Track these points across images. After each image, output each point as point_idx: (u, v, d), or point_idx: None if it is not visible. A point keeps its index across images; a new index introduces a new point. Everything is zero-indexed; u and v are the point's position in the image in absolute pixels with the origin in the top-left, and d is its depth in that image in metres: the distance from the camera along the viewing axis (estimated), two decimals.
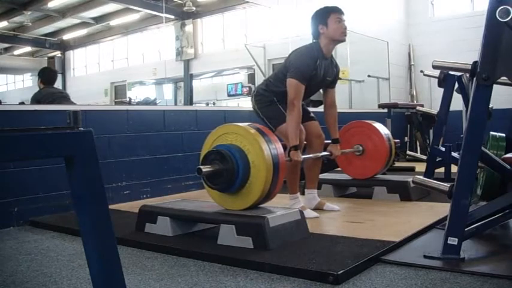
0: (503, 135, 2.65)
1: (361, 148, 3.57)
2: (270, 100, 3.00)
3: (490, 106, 2.08)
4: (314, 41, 2.98)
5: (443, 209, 2.68)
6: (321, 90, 3.14)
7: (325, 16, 2.92)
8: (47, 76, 4.06)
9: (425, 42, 7.88)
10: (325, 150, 3.16)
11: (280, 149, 2.41)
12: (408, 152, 5.25)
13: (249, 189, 2.35)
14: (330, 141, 3.17)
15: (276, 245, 2.15)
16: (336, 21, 2.89)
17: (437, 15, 8.00)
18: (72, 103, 4.02)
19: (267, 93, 3.02)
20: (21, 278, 1.95)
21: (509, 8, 1.81)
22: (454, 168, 3.72)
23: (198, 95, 9.55)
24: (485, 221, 2.09)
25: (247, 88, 8.51)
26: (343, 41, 2.98)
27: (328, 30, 2.90)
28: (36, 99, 3.87)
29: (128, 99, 8.85)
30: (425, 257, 1.99)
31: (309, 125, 3.06)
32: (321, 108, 3.18)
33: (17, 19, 9.24)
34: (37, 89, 4.06)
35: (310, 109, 3.32)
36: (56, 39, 10.37)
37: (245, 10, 8.63)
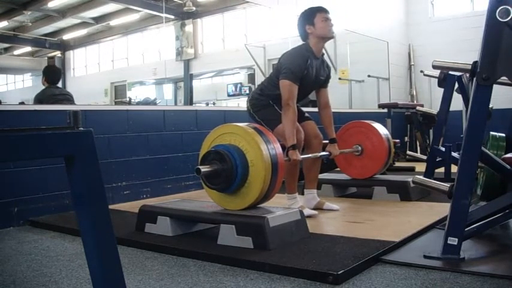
0: (503, 135, 2.65)
1: (360, 148, 3.57)
2: (266, 103, 3.01)
3: (490, 106, 2.08)
4: (303, 42, 3.01)
5: (443, 209, 2.68)
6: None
7: (312, 16, 2.96)
8: (51, 75, 4.03)
9: (425, 42, 7.88)
10: (323, 150, 3.16)
11: (279, 149, 2.41)
12: (408, 152, 5.24)
13: (248, 189, 2.35)
14: (327, 141, 3.18)
15: (276, 245, 2.15)
16: (323, 20, 2.94)
17: (437, 15, 8.01)
18: (74, 104, 4.01)
19: (262, 97, 3.03)
20: (21, 278, 1.95)
21: (509, 8, 1.81)
22: (454, 168, 3.72)
23: (198, 95, 9.54)
24: (485, 221, 2.09)
25: (248, 88, 8.51)
26: (332, 37, 3.05)
27: (316, 30, 2.94)
28: (39, 99, 3.86)
29: (127, 99, 8.84)
30: (425, 257, 1.99)
31: (305, 125, 3.06)
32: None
33: (17, 19, 9.22)
34: (37, 89, 4.04)
35: (309, 109, 3.33)
36: (56, 39, 10.35)
37: (245, 10, 8.62)
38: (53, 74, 4.10)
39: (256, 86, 4.00)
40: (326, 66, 3.09)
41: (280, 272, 1.90)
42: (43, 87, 3.97)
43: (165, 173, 4.02)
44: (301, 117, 3.05)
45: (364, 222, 2.75)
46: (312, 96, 3.30)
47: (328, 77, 3.12)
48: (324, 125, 3.15)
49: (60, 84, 4.21)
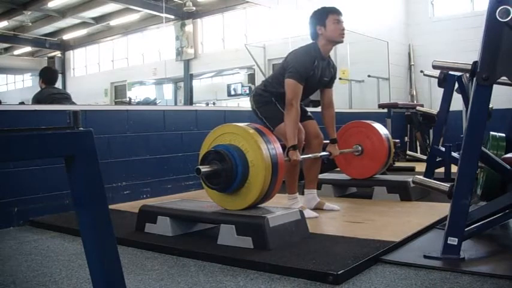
0: (503, 135, 2.65)
1: (360, 148, 3.57)
2: (269, 100, 3.00)
3: (490, 106, 2.08)
4: (312, 41, 2.99)
5: (443, 209, 2.68)
6: (318, 90, 3.14)
7: (324, 17, 2.92)
8: (48, 76, 4.04)
9: (425, 42, 7.88)
10: (324, 150, 3.16)
11: (279, 149, 2.41)
12: (408, 152, 5.24)
13: (248, 189, 2.35)
14: (328, 141, 3.18)
15: (276, 245, 2.15)
16: (334, 22, 2.91)
17: (437, 15, 8.01)
18: (73, 103, 4.02)
19: (265, 93, 3.02)
20: (21, 278, 1.95)
21: (509, 8, 1.81)
22: (454, 168, 3.71)
23: (198, 95, 9.54)
24: (485, 221, 2.09)
25: (248, 87, 8.51)
26: (341, 42, 2.99)
27: (326, 31, 2.91)
28: (37, 99, 3.86)
29: (127, 99, 8.84)
30: (425, 257, 1.99)
31: (306, 124, 3.06)
32: (320, 108, 3.18)
33: (17, 19, 9.23)
34: (37, 89, 4.05)
35: (310, 109, 3.32)
36: (56, 39, 10.35)
37: (245, 10, 8.62)
38: (50, 75, 4.10)
39: (255, 86, 3.99)
40: (332, 67, 3.06)
41: (280, 272, 1.90)
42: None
43: (165, 173, 4.02)
44: (303, 116, 3.05)
45: (364, 222, 2.75)
46: (313, 96, 3.30)
47: (333, 78, 3.10)
48: (325, 124, 3.15)
49: (59, 85, 4.22)
